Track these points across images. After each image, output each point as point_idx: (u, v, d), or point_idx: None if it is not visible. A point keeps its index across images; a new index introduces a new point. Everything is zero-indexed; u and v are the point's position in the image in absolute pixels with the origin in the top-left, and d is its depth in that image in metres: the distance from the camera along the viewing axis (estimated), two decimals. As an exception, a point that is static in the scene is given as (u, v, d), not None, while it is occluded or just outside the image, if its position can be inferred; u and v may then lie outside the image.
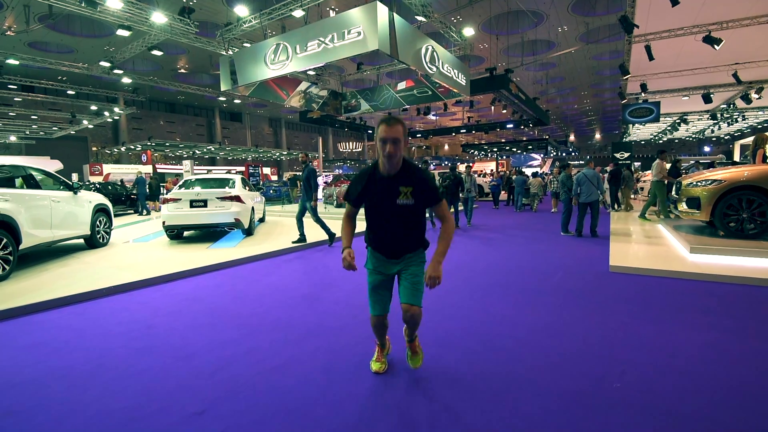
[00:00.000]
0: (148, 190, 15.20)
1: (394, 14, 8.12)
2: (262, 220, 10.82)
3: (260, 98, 12.89)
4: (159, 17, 11.38)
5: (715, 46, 10.13)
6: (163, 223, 7.51)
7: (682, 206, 6.58)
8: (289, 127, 44.26)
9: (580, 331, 3.25)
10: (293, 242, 7.35)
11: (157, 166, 29.26)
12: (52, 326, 3.58)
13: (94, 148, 31.12)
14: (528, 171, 23.03)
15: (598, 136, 51.17)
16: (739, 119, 23.77)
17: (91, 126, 27.80)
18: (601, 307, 3.83)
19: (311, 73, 16.33)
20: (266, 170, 31.01)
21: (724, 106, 20.71)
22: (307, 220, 7.83)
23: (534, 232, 9.13)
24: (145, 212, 14.66)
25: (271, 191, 18.93)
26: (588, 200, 7.82)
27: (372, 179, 2.22)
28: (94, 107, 24.74)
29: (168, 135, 33.73)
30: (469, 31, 14.80)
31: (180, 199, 7.50)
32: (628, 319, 3.50)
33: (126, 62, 17.51)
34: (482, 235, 8.78)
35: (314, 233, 8.06)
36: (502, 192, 18.02)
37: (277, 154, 36.42)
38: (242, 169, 30.70)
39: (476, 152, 41.77)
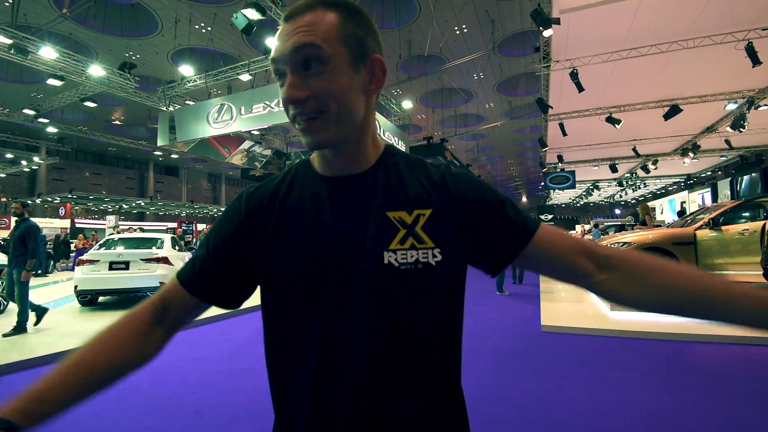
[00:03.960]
0: (52, 248, 13.65)
1: (338, 84, 8.60)
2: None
3: (200, 155, 12.60)
4: (97, 70, 10.97)
5: (616, 126, 11.83)
6: (75, 287, 6.70)
7: (601, 266, 7.19)
8: (230, 183, 43.25)
9: (519, 395, 3.29)
10: (4, 335, 5.01)
11: (77, 220, 26.77)
12: None
13: (3, 199, 27.91)
14: None
15: (524, 199, 55.76)
16: (641, 186, 27.27)
17: (3, 175, 25.14)
18: (535, 370, 3.92)
19: (255, 132, 16.42)
20: (201, 226, 29.50)
21: (628, 174, 23.81)
22: None
23: (470, 292, 9.48)
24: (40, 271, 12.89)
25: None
26: None
27: (285, 199, 0.70)
28: (9, 155, 22.54)
29: (93, 188, 31.33)
30: (407, 104, 15.99)
31: (98, 261, 6.80)
32: (562, 380, 3.61)
33: (54, 110, 16.45)
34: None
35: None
36: None
37: (215, 210, 35.07)
38: (174, 225, 28.98)
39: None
